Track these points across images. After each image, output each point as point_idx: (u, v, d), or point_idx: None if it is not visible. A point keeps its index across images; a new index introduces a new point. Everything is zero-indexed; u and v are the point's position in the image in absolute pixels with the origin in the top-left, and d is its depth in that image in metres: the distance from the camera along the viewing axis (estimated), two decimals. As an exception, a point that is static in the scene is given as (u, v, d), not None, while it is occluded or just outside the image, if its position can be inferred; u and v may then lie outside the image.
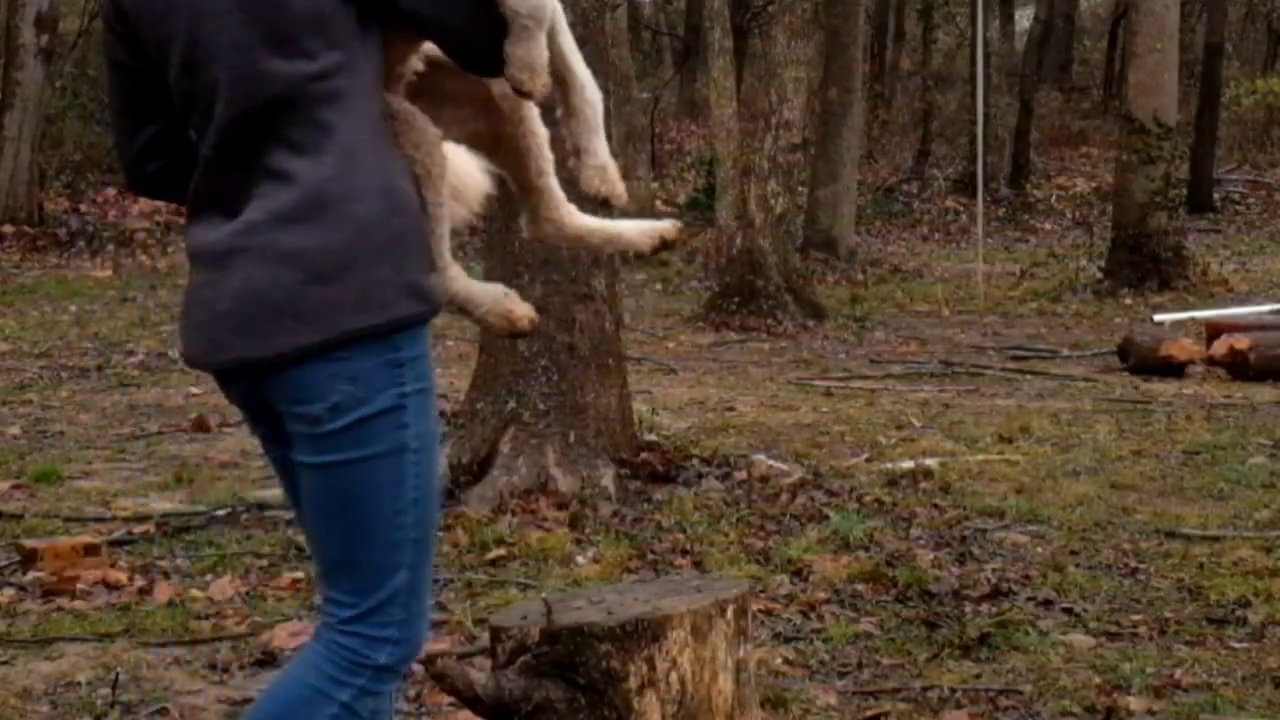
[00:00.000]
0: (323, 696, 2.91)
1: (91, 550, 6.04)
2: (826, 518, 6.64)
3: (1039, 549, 6.29)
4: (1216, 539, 6.39)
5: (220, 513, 6.83)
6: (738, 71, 15.39)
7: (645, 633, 3.77)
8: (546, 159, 3.23)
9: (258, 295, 2.83)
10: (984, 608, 5.52)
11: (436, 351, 12.06)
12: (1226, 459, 7.91)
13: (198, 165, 2.93)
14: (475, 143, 3.22)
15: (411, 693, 4.75)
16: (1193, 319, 12.86)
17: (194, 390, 10.03)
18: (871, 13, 25.99)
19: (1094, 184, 25.26)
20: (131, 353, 11.58)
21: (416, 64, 3.09)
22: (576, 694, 3.72)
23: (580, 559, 6.09)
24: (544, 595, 4.05)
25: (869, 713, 4.61)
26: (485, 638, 4.43)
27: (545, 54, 2.95)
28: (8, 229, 18.45)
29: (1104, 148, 26.50)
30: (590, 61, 7.40)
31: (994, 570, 5.97)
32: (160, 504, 7.07)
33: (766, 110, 13.87)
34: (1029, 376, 10.87)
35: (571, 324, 6.95)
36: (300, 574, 5.93)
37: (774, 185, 13.82)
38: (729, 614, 3.90)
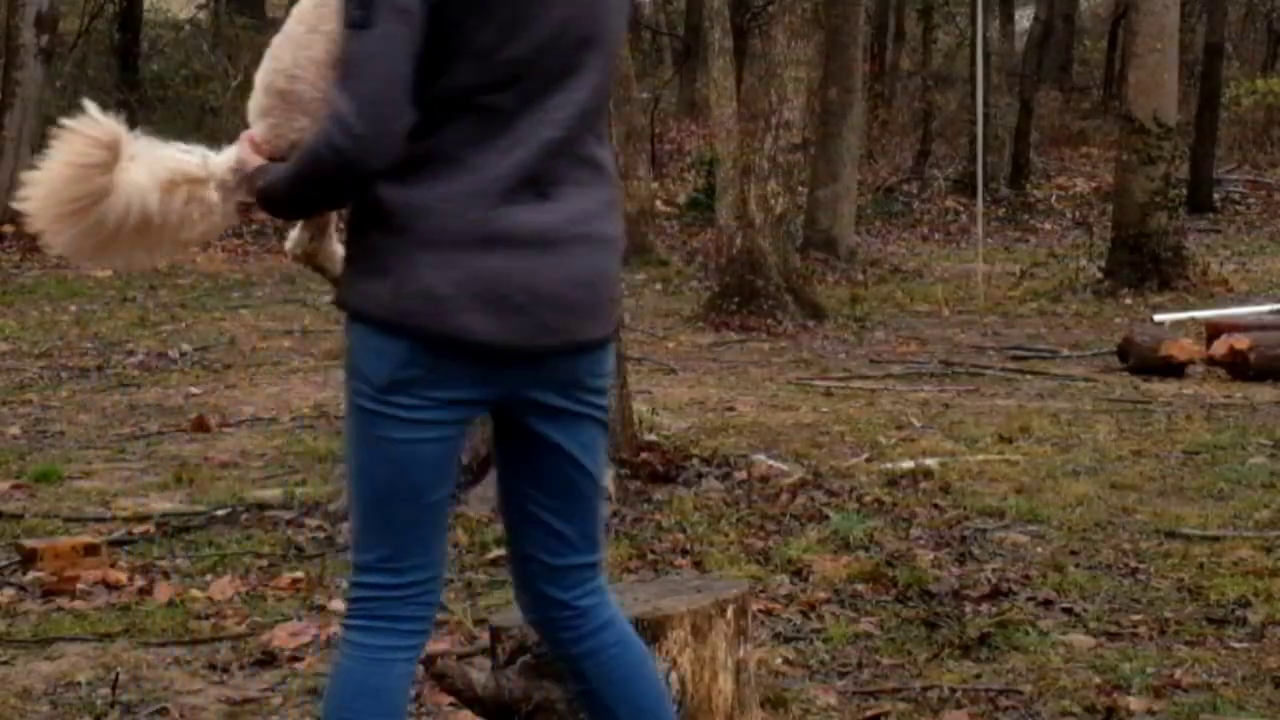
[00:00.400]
0: None
1: (91, 550, 6.04)
2: (826, 518, 6.65)
3: (1039, 549, 6.29)
4: (1216, 539, 6.39)
5: (220, 513, 6.83)
6: (738, 71, 15.38)
7: (645, 633, 3.77)
8: None
9: (603, 280, 3.07)
10: (984, 608, 5.52)
11: (436, 351, 12.06)
12: (1226, 459, 7.91)
13: (512, 144, 2.94)
14: None
15: (411, 693, 4.74)
16: (1193, 319, 12.85)
17: (194, 390, 10.03)
18: (871, 13, 25.97)
19: (1094, 184, 25.24)
20: (131, 353, 11.58)
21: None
22: (576, 694, 3.72)
23: (580, 559, 6.08)
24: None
25: (869, 713, 4.61)
26: (485, 638, 4.43)
27: None
28: (8, 229, 18.43)
29: (1104, 148, 26.48)
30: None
31: (994, 570, 5.97)
32: (160, 504, 7.07)
33: (766, 110, 13.86)
34: (1029, 376, 10.87)
35: (571, 324, 6.94)
36: (300, 574, 5.93)
37: (774, 185, 13.82)
38: (729, 614, 3.91)
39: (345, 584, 3.23)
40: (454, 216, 2.93)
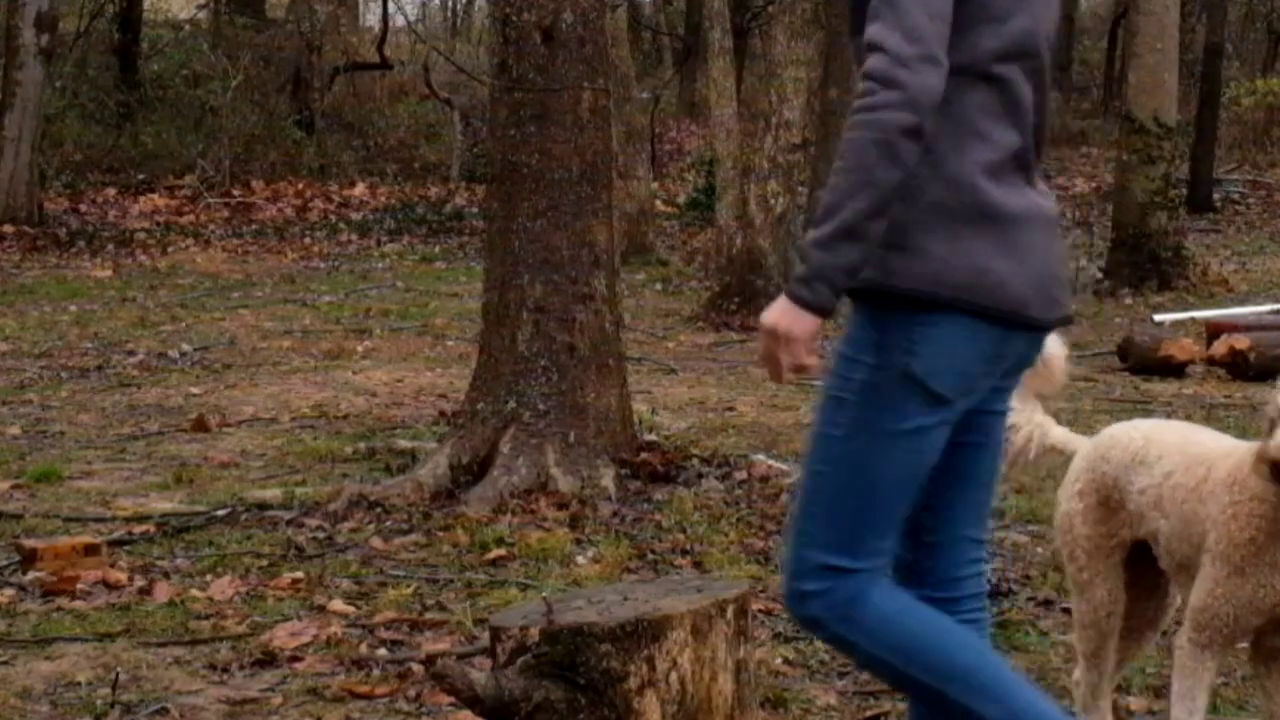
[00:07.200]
0: None
1: (91, 550, 6.04)
2: (826, 518, 6.63)
3: (1039, 549, 6.29)
4: (1216, 539, 6.38)
5: (220, 513, 6.83)
6: (738, 71, 15.39)
7: (645, 633, 3.77)
8: None
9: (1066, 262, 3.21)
10: (984, 608, 5.51)
11: (436, 351, 12.08)
12: (1226, 459, 7.90)
13: (1021, 121, 3.05)
14: None
15: (411, 693, 4.75)
16: (1193, 319, 12.84)
17: (194, 390, 10.03)
18: (871, 13, 25.95)
19: (1094, 184, 25.23)
20: (131, 353, 11.57)
21: None
22: (576, 694, 3.72)
23: (580, 559, 6.09)
24: (544, 595, 4.05)
25: (869, 713, 4.61)
26: (485, 638, 4.43)
27: None
28: (8, 229, 18.44)
29: (1104, 148, 26.46)
30: (590, 61, 7.44)
31: (994, 570, 5.97)
32: (160, 504, 7.07)
33: (766, 110, 13.86)
34: (1029, 376, 10.85)
35: (571, 324, 6.95)
36: (300, 574, 5.93)
37: (774, 185, 13.81)
38: (729, 614, 3.91)
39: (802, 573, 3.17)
40: (977, 190, 2.96)
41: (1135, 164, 15.52)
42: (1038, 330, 3.13)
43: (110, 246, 18.16)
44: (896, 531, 3.16)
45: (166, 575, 5.99)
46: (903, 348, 2.96)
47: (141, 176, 21.96)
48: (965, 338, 2.96)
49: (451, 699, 4.26)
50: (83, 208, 20.69)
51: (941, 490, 3.21)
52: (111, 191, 21.40)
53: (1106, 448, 3.97)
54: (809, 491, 3.11)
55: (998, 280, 2.96)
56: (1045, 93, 3.13)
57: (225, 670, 4.99)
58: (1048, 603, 5.58)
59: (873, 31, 2.86)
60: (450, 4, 37.16)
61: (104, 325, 12.91)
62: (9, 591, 5.80)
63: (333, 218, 20.80)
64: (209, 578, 5.94)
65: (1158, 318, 13.42)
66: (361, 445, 8.13)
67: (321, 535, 6.50)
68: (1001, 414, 3.26)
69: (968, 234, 2.94)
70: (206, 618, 5.49)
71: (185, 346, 11.78)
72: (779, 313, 2.87)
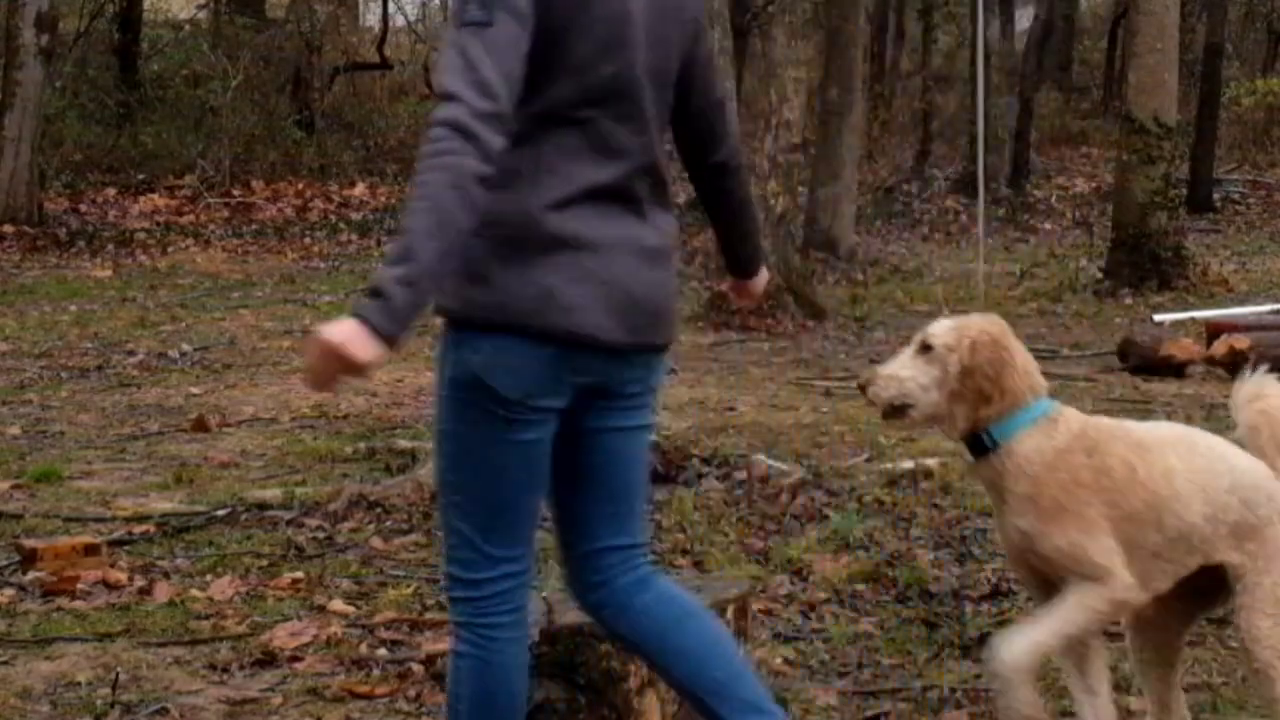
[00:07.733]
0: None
1: (91, 550, 6.05)
2: (826, 518, 6.65)
3: (1039, 549, 6.28)
4: (1216, 539, 6.37)
5: (220, 513, 6.84)
6: (738, 72, 15.36)
7: (645, 633, 3.77)
8: None
9: (674, 292, 3.34)
10: (984, 608, 5.53)
11: (436, 351, 12.06)
12: (1226, 459, 7.89)
13: (614, 159, 3.23)
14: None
15: (411, 693, 4.75)
16: (1193, 319, 12.84)
17: (194, 390, 10.03)
18: (871, 13, 25.96)
19: (1094, 184, 25.23)
20: (131, 353, 11.58)
21: None
22: (576, 694, 3.73)
23: (580, 559, 6.08)
24: (544, 595, 4.05)
25: (869, 713, 4.61)
26: (485, 638, 4.41)
27: None
28: (8, 229, 18.45)
29: (1104, 148, 26.47)
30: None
31: (994, 570, 5.97)
32: (160, 504, 7.07)
33: (766, 110, 13.86)
34: (1029, 376, 10.83)
35: (571, 324, 6.94)
36: (300, 574, 5.94)
37: (774, 185, 13.81)
38: (729, 614, 3.91)
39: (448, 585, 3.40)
40: (544, 223, 3.12)
41: (1135, 164, 15.52)
42: (615, 353, 3.24)
43: (110, 246, 18.16)
44: (523, 530, 3.35)
45: (166, 575, 6.00)
46: (471, 348, 3.19)
47: (141, 176, 21.97)
48: (522, 353, 3.14)
49: (451, 699, 4.25)
50: (83, 208, 20.70)
51: (570, 508, 3.41)
52: (111, 191, 21.40)
53: None
54: (439, 486, 3.35)
55: (565, 305, 3.15)
56: (650, 131, 3.31)
57: (225, 670, 5.00)
58: (1048, 603, 5.57)
59: (447, 82, 3.00)
60: (450, 4, 37.17)
61: (104, 325, 12.92)
62: (9, 591, 5.80)
63: (333, 218, 20.81)
64: (209, 578, 5.94)
65: (1158, 318, 13.42)
66: (361, 445, 8.14)
67: (321, 535, 6.50)
68: (621, 431, 3.35)
69: (541, 263, 3.12)
70: (206, 618, 5.49)
71: (185, 346, 11.79)
72: (349, 332, 2.95)
